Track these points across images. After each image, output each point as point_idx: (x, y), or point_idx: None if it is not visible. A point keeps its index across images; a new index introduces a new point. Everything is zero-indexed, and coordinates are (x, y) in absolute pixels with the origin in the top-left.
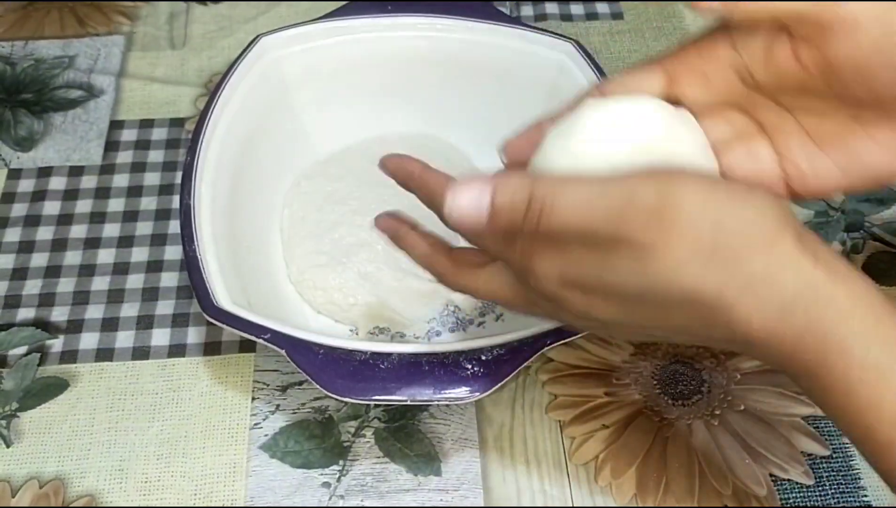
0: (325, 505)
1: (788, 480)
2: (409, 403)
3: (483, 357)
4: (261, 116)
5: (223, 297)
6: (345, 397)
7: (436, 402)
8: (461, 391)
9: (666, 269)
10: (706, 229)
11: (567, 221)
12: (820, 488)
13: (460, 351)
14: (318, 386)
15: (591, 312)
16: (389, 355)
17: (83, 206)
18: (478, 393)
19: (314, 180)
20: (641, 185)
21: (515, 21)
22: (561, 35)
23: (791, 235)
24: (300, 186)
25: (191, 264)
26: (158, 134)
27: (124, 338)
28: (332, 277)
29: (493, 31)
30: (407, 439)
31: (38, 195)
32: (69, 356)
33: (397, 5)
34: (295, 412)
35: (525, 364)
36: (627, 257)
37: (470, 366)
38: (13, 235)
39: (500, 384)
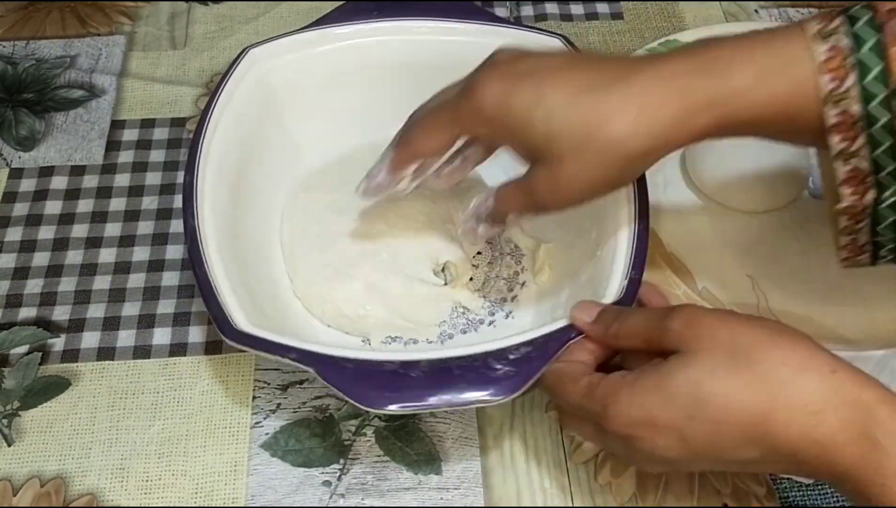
0: (325, 504)
1: (788, 479)
2: (444, 409)
3: (511, 356)
4: (254, 130)
5: (240, 319)
6: (380, 409)
7: (471, 406)
8: (494, 392)
9: (703, 372)
10: (725, 337)
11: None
12: (819, 486)
13: (488, 352)
14: (351, 401)
15: (655, 451)
16: (418, 362)
17: (84, 205)
18: (510, 393)
19: (311, 192)
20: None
21: (501, 20)
22: (548, 31)
23: (804, 346)
24: (298, 199)
25: (204, 288)
26: (160, 134)
27: (126, 337)
28: (339, 289)
29: (480, 32)
30: (407, 438)
31: (40, 195)
32: (70, 355)
33: (383, 10)
34: (296, 411)
35: (553, 359)
36: (675, 367)
37: (499, 366)
38: (15, 234)
39: (530, 383)
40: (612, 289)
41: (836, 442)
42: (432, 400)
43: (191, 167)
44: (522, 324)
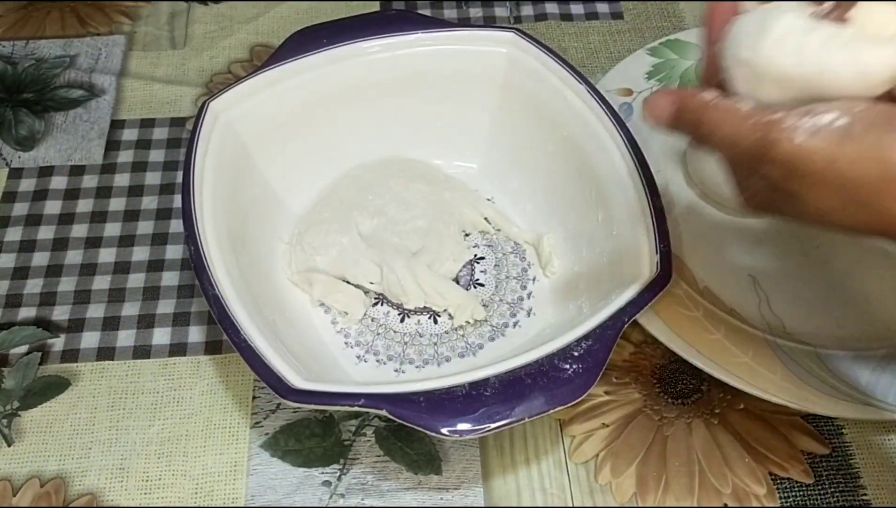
0: (325, 504)
1: (788, 479)
2: (527, 421)
3: (575, 353)
4: (235, 186)
5: (292, 377)
6: (465, 435)
7: (552, 412)
8: (571, 393)
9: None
10: None
11: None
12: (819, 486)
13: (551, 353)
14: (431, 433)
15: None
16: (487, 380)
17: (84, 205)
18: (584, 391)
19: (309, 232)
20: None
21: (449, 24)
22: (501, 26)
23: None
24: (305, 239)
25: (248, 355)
26: (159, 133)
27: (125, 337)
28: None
29: (434, 39)
30: (407, 438)
31: (40, 195)
32: (70, 355)
33: (332, 36)
34: (296, 411)
35: (613, 347)
36: None
37: (567, 366)
38: (14, 234)
39: (601, 373)
40: (644, 266)
41: None
42: (516, 413)
43: (192, 236)
44: (545, 318)
